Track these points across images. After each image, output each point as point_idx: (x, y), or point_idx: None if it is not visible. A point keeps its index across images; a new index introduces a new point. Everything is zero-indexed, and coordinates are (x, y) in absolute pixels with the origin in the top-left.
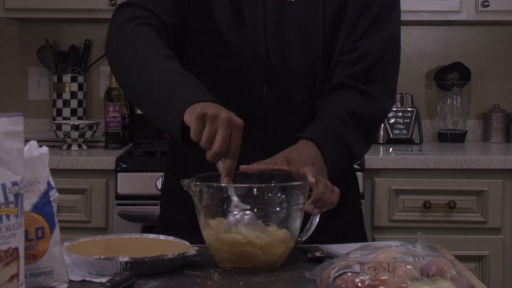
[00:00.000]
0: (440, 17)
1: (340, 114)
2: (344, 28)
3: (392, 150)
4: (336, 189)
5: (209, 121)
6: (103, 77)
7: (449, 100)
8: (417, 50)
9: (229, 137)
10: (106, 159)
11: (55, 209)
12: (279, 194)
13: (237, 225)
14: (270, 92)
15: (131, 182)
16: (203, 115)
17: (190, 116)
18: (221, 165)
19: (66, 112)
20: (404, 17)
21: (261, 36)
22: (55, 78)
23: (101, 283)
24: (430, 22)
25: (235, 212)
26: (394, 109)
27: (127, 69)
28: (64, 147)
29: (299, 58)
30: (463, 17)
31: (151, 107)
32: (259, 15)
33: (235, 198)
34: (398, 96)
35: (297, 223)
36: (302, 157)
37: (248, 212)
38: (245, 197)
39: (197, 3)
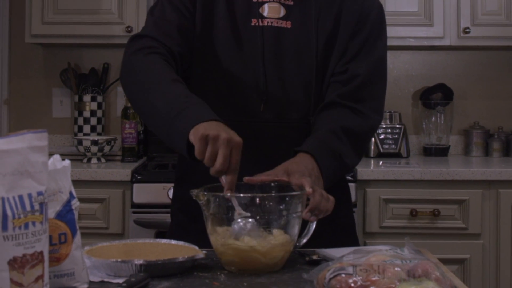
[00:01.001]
0: (425, 43)
1: (334, 130)
2: (335, 51)
3: (382, 163)
4: (331, 197)
5: (211, 142)
6: (120, 97)
7: (433, 118)
8: (405, 72)
9: (229, 155)
10: (122, 171)
11: (76, 216)
12: (279, 203)
13: (241, 233)
14: (267, 111)
15: (146, 192)
16: (206, 137)
17: (194, 137)
18: (224, 180)
19: (87, 128)
20: (392, 42)
21: (259, 61)
22: (76, 98)
23: (118, 283)
24: (416, 47)
25: (239, 221)
26: (384, 125)
27: (139, 94)
28: (85, 160)
29: (294, 79)
30: (446, 42)
31: (161, 128)
32: (258, 42)
33: (238, 208)
34: (387, 114)
35: (295, 229)
36: (300, 169)
37: (250, 220)
38: (249, 205)
39: (201, 32)
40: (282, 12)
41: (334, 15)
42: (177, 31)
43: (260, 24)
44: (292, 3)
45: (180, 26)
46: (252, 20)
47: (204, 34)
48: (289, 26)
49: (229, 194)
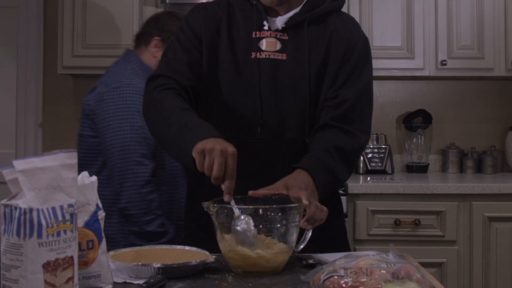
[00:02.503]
0: (407, 73)
1: (327, 148)
2: (326, 79)
3: (370, 178)
4: (325, 208)
5: (207, 154)
6: None
7: (414, 139)
8: (389, 99)
9: (224, 164)
10: None
11: (102, 225)
12: (279, 214)
13: (245, 233)
14: (264, 132)
15: None
16: (202, 150)
17: (194, 152)
18: (223, 186)
19: None
20: (379, 73)
21: (257, 89)
22: None
23: (139, 284)
24: (399, 77)
25: (239, 223)
26: (371, 146)
27: (156, 124)
28: None
29: (290, 105)
30: (426, 73)
31: (172, 149)
32: (256, 72)
33: (236, 211)
34: (374, 136)
35: (294, 237)
36: (298, 184)
37: (252, 228)
38: (253, 216)
39: (208, 65)
40: (278, 46)
41: (324, 47)
42: (187, 68)
43: (259, 56)
44: (287, 37)
45: (189, 63)
46: (252, 53)
47: (209, 66)
48: (284, 58)
49: (229, 202)
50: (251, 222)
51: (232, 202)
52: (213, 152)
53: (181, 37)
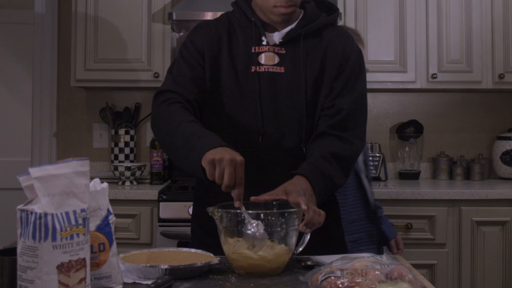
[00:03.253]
0: (400, 86)
1: (324, 155)
2: (323, 90)
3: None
4: (322, 212)
5: (217, 164)
6: (148, 130)
7: (407, 148)
8: (383, 110)
9: (233, 172)
10: (151, 192)
11: (113, 229)
12: (280, 218)
13: (255, 235)
14: (264, 142)
15: (170, 209)
16: (212, 160)
17: (204, 163)
18: (233, 193)
19: (121, 157)
20: (373, 86)
21: (257, 101)
22: (113, 132)
23: (147, 285)
24: (392, 90)
25: (252, 225)
26: None
27: (164, 136)
28: (120, 183)
29: (288, 115)
30: (417, 86)
31: (182, 159)
32: (256, 85)
33: (246, 215)
34: (369, 145)
35: (293, 240)
36: (297, 189)
37: (259, 223)
38: (254, 219)
39: (210, 79)
40: (277, 60)
41: (320, 60)
42: (191, 83)
43: (258, 70)
44: (284, 52)
45: (193, 78)
46: (252, 67)
47: (212, 80)
48: (282, 71)
49: (240, 208)
50: (262, 226)
51: (243, 208)
52: (223, 162)
53: (185, 53)
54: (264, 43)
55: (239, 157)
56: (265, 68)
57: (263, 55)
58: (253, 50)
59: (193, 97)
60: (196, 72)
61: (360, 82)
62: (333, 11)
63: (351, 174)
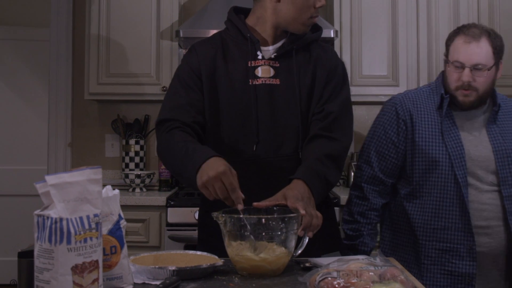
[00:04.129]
0: None
1: (319, 157)
2: (314, 97)
3: None
4: (319, 214)
5: (209, 186)
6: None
7: None
8: None
9: (223, 186)
10: (159, 198)
11: (124, 233)
12: (280, 223)
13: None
14: (260, 149)
15: (177, 214)
16: (204, 185)
17: (200, 189)
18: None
19: (132, 165)
20: (367, 99)
21: (253, 111)
22: (124, 142)
23: (156, 285)
24: None
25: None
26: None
27: (165, 159)
28: (130, 190)
29: (285, 123)
30: None
31: (179, 176)
32: (252, 97)
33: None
34: None
35: (292, 243)
36: (295, 194)
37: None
38: (257, 225)
39: (209, 96)
40: (272, 72)
41: (311, 71)
42: (188, 106)
43: (256, 83)
44: (278, 65)
45: (189, 100)
46: (249, 80)
47: (210, 97)
48: (278, 82)
49: (241, 216)
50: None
51: (240, 210)
52: (209, 181)
53: (181, 76)
54: (260, 57)
55: (221, 167)
56: (262, 81)
57: (259, 68)
58: (249, 64)
59: (191, 120)
60: (193, 94)
61: (345, 89)
62: (317, 29)
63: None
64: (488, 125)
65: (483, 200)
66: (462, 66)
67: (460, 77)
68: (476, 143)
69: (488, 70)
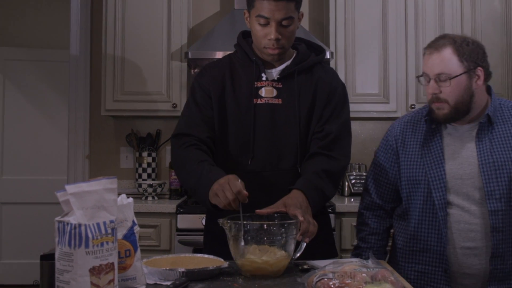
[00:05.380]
0: (383, 115)
1: (317, 171)
2: (314, 117)
3: (353, 200)
4: (315, 223)
5: (219, 191)
6: (168, 153)
7: None
8: (369, 136)
9: (231, 189)
10: (170, 206)
11: (137, 237)
12: (280, 228)
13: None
14: (253, 165)
15: (186, 220)
16: (215, 191)
17: (210, 195)
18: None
19: (144, 176)
20: (360, 115)
21: (251, 128)
22: (137, 154)
23: (167, 285)
24: (377, 118)
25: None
26: (354, 174)
27: (180, 175)
28: (143, 198)
29: (285, 140)
30: (398, 115)
31: (193, 192)
32: (252, 115)
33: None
34: (356, 166)
35: (292, 247)
36: (294, 202)
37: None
38: (259, 230)
39: (218, 116)
40: (275, 93)
41: (312, 92)
42: (202, 122)
43: (260, 102)
44: (281, 86)
45: (203, 117)
46: (254, 99)
47: (219, 114)
48: (280, 102)
49: (242, 222)
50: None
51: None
52: (219, 187)
53: (194, 96)
54: (264, 78)
55: (230, 176)
56: (265, 100)
57: (263, 89)
58: (254, 85)
59: (205, 135)
60: (205, 111)
61: (345, 110)
62: (320, 52)
63: None
64: (477, 139)
65: (470, 220)
66: (428, 79)
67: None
68: (462, 161)
69: (453, 78)
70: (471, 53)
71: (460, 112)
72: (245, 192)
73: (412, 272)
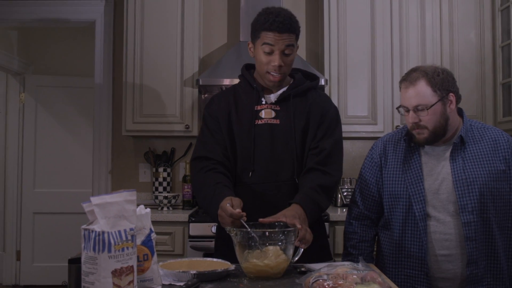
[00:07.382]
0: (372, 135)
1: (313, 186)
2: (309, 136)
3: (345, 210)
4: (311, 233)
5: (220, 218)
6: (181, 169)
7: None
8: (359, 154)
9: (229, 214)
10: (183, 215)
11: (154, 243)
12: (280, 235)
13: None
14: (253, 177)
15: (197, 228)
16: (218, 218)
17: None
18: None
19: (160, 188)
20: (351, 135)
21: (252, 145)
22: (154, 170)
23: (180, 286)
24: (366, 138)
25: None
26: (346, 187)
27: (199, 194)
28: (159, 208)
29: (283, 156)
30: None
31: (206, 211)
32: (252, 135)
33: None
34: (348, 180)
35: (291, 251)
36: (293, 214)
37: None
38: (262, 236)
39: (227, 137)
40: (273, 114)
41: (306, 114)
42: (217, 145)
43: (260, 123)
44: (278, 108)
45: (217, 141)
46: (256, 120)
47: (228, 136)
48: (278, 122)
49: (249, 230)
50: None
51: (243, 223)
52: (220, 217)
53: (206, 123)
54: (263, 102)
55: (223, 202)
56: (265, 121)
57: (263, 111)
58: (255, 108)
59: (221, 157)
60: (216, 135)
61: (337, 130)
62: (315, 79)
63: None
64: (451, 158)
65: (445, 230)
66: (407, 110)
67: (408, 120)
68: (438, 177)
69: (430, 108)
70: (443, 82)
71: (438, 135)
72: (237, 211)
73: (399, 276)
